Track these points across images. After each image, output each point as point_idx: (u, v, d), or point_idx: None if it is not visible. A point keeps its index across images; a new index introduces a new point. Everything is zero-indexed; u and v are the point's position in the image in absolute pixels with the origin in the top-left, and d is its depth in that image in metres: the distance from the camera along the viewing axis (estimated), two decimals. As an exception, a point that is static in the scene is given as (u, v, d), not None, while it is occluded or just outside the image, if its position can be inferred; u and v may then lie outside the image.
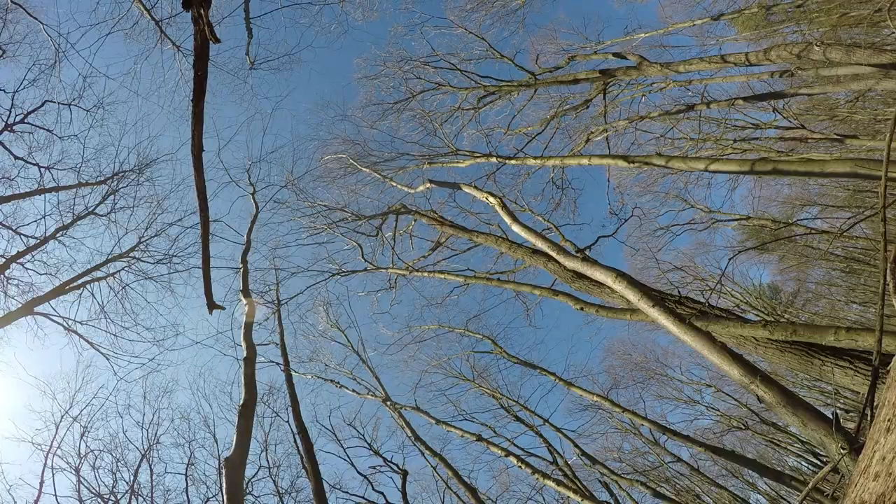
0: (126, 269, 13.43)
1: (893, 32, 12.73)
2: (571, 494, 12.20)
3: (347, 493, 17.37)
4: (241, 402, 6.48)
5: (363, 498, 18.26)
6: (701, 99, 13.04)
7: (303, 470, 15.85)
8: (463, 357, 16.15)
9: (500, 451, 12.85)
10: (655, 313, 5.04)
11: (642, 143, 13.23)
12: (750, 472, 19.50)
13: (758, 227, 17.08)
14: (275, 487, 17.16)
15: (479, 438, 12.74)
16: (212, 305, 5.55)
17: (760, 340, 6.79)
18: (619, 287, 5.80)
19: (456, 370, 15.88)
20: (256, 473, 17.02)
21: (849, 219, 15.19)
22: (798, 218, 17.97)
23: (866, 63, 8.16)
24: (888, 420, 1.39)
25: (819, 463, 22.04)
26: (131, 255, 13.42)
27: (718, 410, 21.92)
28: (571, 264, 7.01)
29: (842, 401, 23.94)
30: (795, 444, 22.79)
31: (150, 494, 15.86)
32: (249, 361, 7.23)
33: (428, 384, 15.64)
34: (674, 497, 16.87)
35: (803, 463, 23.89)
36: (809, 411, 3.02)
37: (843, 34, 15.34)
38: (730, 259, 13.21)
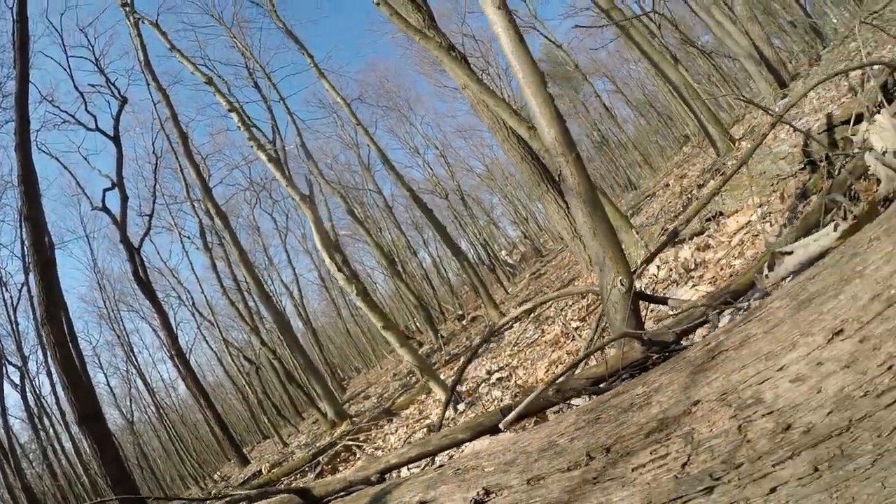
0: None
1: None
2: (279, 176, 13.31)
3: (59, 108, 16.64)
4: None
5: (72, 116, 16.88)
6: None
7: (13, 65, 13.92)
8: (230, -3, 14.73)
9: (225, 104, 12.87)
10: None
11: None
12: (433, 232, 23.90)
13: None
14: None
15: (210, 81, 12.50)
16: None
17: (521, 140, 7.36)
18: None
19: (217, 9, 14.54)
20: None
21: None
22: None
23: None
24: None
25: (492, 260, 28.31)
26: None
27: (432, 171, 25.53)
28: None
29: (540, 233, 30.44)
30: (475, 232, 28.47)
31: None
32: None
33: (180, 13, 14.15)
34: (362, 221, 20.12)
35: (473, 251, 30.52)
36: (605, 221, 2.77)
37: None
38: None
